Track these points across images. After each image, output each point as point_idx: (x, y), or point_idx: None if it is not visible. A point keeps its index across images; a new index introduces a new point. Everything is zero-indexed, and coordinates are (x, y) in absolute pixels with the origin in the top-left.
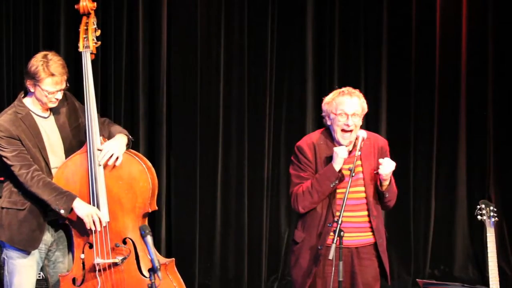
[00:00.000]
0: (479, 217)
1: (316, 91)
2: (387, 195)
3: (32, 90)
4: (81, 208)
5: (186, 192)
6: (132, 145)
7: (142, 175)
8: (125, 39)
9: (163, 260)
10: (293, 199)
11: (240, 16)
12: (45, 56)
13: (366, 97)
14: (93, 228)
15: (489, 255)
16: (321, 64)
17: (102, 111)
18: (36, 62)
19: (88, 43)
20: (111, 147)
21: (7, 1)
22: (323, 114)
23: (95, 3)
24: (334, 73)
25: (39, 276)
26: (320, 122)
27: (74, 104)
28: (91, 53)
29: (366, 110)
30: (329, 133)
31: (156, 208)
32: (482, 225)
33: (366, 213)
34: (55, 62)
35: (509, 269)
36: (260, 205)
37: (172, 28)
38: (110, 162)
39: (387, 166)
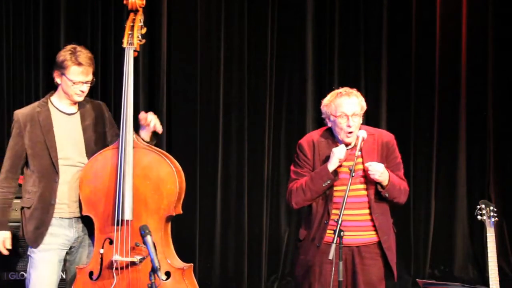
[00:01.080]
0: (479, 217)
1: (316, 91)
2: (387, 195)
3: (59, 81)
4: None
5: (186, 192)
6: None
7: (170, 177)
8: None
9: (181, 264)
10: (287, 194)
11: (240, 16)
12: (74, 48)
13: (366, 96)
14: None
15: (489, 255)
16: (321, 64)
17: None
18: (65, 52)
19: (133, 40)
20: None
21: (7, 1)
22: (323, 116)
23: (144, 0)
24: (334, 73)
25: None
26: (320, 122)
27: (103, 113)
28: (134, 51)
29: (365, 108)
30: (331, 132)
31: (181, 212)
32: (482, 225)
33: (367, 211)
34: (83, 53)
35: (509, 269)
36: (260, 205)
37: (172, 28)
38: (152, 124)
39: (373, 171)
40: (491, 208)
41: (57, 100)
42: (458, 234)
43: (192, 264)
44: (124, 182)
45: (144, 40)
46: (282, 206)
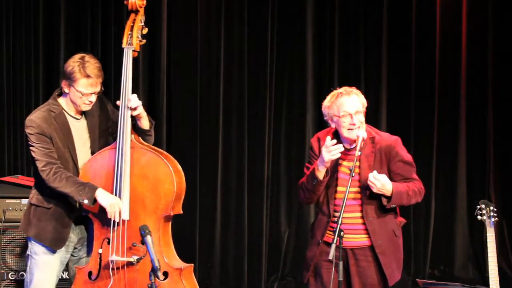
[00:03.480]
0: (479, 217)
1: (316, 91)
2: (393, 206)
3: (67, 91)
4: (104, 197)
5: (186, 192)
6: None
7: (168, 177)
8: None
9: (180, 264)
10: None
11: (240, 16)
12: (82, 58)
13: (366, 97)
14: (113, 219)
15: (489, 255)
16: (321, 64)
17: None
18: (73, 63)
19: (132, 40)
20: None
21: (7, 1)
22: (325, 118)
23: (145, 1)
24: (334, 73)
25: (62, 276)
26: (320, 122)
27: (106, 107)
28: (133, 51)
29: (366, 104)
30: (337, 133)
31: (181, 212)
32: (482, 225)
33: (359, 214)
34: (92, 64)
35: (509, 269)
36: (260, 205)
37: (172, 28)
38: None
39: (371, 184)
40: (491, 208)
41: (65, 104)
42: (458, 234)
43: (192, 264)
44: (122, 181)
45: (144, 41)
46: (282, 206)
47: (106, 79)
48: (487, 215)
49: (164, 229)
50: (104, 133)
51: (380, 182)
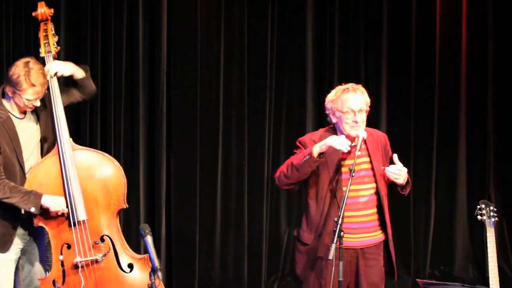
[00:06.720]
0: (479, 217)
1: (316, 91)
2: (405, 194)
3: (10, 95)
4: (48, 199)
5: (186, 192)
6: (132, 145)
7: (114, 173)
8: (125, 39)
9: (141, 255)
10: (276, 174)
11: (240, 16)
12: (26, 65)
13: None
14: (59, 213)
15: (489, 255)
16: (321, 64)
17: (102, 111)
18: (18, 71)
19: (50, 48)
20: (59, 65)
21: (7, 2)
22: (327, 111)
23: (52, 10)
24: (334, 73)
25: None
26: (320, 122)
27: (47, 99)
28: (53, 57)
29: (369, 103)
30: (333, 131)
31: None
32: (482, 225)
33: (375, 210)
34: (36, 71)
35: (509, 269)
36: (260, 205)
37: (172, 28)
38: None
39: (397, 175)
40: (491, 208)
41: (9, 107)
42: (458, 234)
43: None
44: (72, 185)
45: (59, 47)
46: (282, 206)
47: (107, 77)
48: (487, 215)
49: (117, 223)
50: (51, 125)
51: (405, 171)
